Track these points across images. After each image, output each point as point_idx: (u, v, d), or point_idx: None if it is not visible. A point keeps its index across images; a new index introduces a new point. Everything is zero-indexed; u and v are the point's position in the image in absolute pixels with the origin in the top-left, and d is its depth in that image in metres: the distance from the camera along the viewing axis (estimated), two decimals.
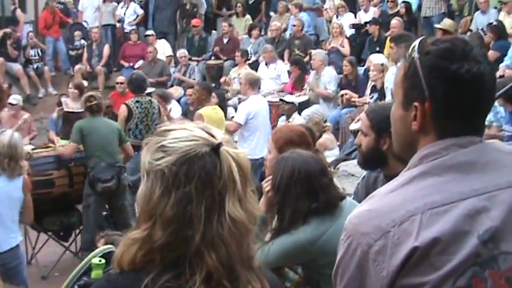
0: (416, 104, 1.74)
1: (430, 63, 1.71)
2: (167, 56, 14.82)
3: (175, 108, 11.77)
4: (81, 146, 7.91)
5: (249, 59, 13.82)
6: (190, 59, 14.50)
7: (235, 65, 13.71)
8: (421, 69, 1.72)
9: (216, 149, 1.62)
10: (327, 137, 9.11)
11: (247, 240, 1.65)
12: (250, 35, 14.81)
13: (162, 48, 14.88)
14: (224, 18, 16.10)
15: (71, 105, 10.30)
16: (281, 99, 11.02)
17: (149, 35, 15.11)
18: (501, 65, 10.10)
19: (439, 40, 1.74)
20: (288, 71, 12.83)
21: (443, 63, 1.69)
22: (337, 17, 14.32)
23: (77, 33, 15.85)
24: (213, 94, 9.33)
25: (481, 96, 1.71)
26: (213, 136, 1.65)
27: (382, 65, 10.48)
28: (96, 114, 7.89)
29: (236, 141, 8.73)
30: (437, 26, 11.87)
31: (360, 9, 14.49)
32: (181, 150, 1.61)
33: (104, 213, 8.01)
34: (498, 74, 9.52)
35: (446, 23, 11.84)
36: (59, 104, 10.73)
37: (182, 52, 14.47)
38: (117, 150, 7.99)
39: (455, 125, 1.72)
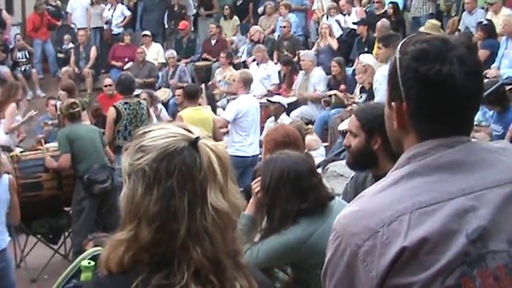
0: (393, 103, 1.76)
1: (405, 64, 1.72)
2: (160, 63, 14.76)
3: (162, 111, 11.76)
4: None
5: (236, 60, 13.88)
6: (178, 60, 14.50)
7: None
8: (399, 69, 1.73)
9: (194, 143, 1.64)
10: (310, 138, 9.15)
11: (231, 232, 1.67)
12: (246, 36, 14.87)
13: (157, 54, 14.86)
14: (203, 18, 16.09)
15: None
16: (267, 100, 11.07)
17: (146, 35, 15.06)
18: (492, 66, 10.15)
19: (419, 40, 1.75)
20: (279, 72, 12.88)
21: (415, 64, 1.70)
22: (327, 17, 14.34)
23: (67, 36, 15.81)
24: (202, 95, 9.36)
25: (453, 98, 1.70)
26: (190, 132, 1.67)
27: (364, 65, 10.51)
28: (76, 120, 7.92)
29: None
30: (421, 29, 11.93)
31: (344, 15, 14.50)
32: (159, 147, 1.63)
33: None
34: (490, 77, 9.54)
35: (428, 25, 11.90)
36: (48, 105, 10.66)
37: (170, 53, 14.46)
38: (104, 153, 8.01)
39: (434, 126, 1.73)
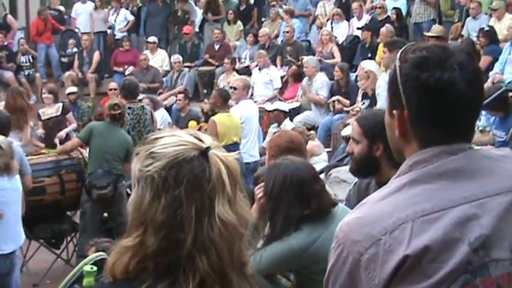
0: (395, 111, 1.76)
1: (405, 72, 1.72)
2: (164, 70, 14.77)
3: (165, 116, 11.76)
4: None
5: (240, 65, 13.90)
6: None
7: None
8: (399, 77, 1.73)
9: (204, 152, 1.63)
10: (313, 144, 9.15)
11: (238, 244, 1.65)
12: (246, 41, 14.90)
13: (161, 61, 14.88)
14: (209, 23, 16.11)
15: (47, 111, 10.28)
16: (265, 109, 11.09)
17: (150, 42, 15.08)
18: (490, 73, 10.16)
19: (419, 48, 1.75)
20: (281, 77, 12.89)
21: (415, 72, 1.70)
22: (331, 23, 14.34)
23: (71, 41, 15.85)
24: (206, 101, 9.35)
25: (455, 105, 1.70)
26: (201, 141, 1.66)
27: (366, 72, 10.53)
28: (116, 122, 7.88)
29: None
30: (426, 34, 11.94)
31: (353, 17, 14.51)
32: (169, 155, 1.62)
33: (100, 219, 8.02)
34: (489, 82, 9.55)
35: (437, 29, 11.91)
36: (39, 116, 10.48)
37: (176, 58, 14.45)
38: (119, 161, 7.83)
39: (436, 133, 1.72)
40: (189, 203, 1.59)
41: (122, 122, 8.11)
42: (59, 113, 10.15)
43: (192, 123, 9.89)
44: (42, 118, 10.23)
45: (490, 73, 10.18)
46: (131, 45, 15.42)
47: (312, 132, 9.79)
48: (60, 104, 10.33)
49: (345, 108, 11.08)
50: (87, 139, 7.80)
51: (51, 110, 10.17)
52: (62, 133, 9.84)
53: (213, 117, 8.68)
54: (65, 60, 15.84)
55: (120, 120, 7.97)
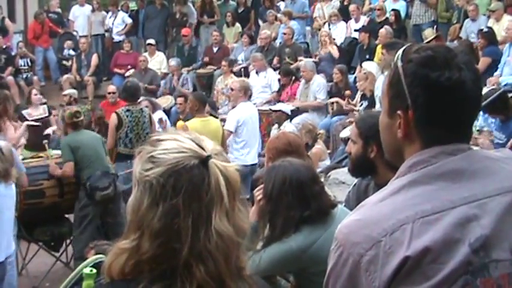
0: (399, 112, 1.74)
1: (411, 71, 1.71)
2: (162, 72, 14.77)
3: (163, 118, 11.73)
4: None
5: (235, 68, 13.90)
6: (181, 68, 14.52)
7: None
8: (404, 77, 1.72)
9: (204, 161, 1.61)
10: (320, 148, 9.11)
11: (235, 254, 1.64)
12: (242, 42, 14.90)
13: (160, 63, 14.88)
14: (205, 26, 16.11)
15: (33, 113, 10.25)
16: (269, 108, 11.10)
17: (151, 44, 15.06)
18: (495, 74, 10.16)
19: (422, 48, 1.74)
20: (279, 80, 12.87)
21: (424, 71, 1.69)
22: (329, 25, 14.34)
23: (68, 43, 15.84)
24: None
25: (463, 104, 1.71)
26: (202, 148, 1.64)
27: (365, 73, 10.53)
28: (79, 128, 7.91)
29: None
30: (426, 35, 11.99)
31: (351, 19, 14.51)
32: (169, 162, 1.60)
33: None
34: (489, 85, 9.54)
35: (430, 32, 12.00)
36: (20, 117, 10.06)
37: (176, 62, 14.43)
38: (107, 159, 8.00)
39: (440, 133, 1.72)
40: (186, 213, 1.58)
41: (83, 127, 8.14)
42: (46, 114, 10.15)
43: (180, 123, 9.83)
44: (29, 119, 10.11)
45: (495, 74, 10.18)
46: (132, 47, 15.43)
47: (321, 131, 9.73)
48: (45, 105, 10.34)
49: (344, 108, 11.06)
50: (73, 156, 7.76)
51: (38, 112, 10.15)
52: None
53: (186, 122, 8.66)
54: (66, 63, 15.81)
55: (83, 125, 8.02)
